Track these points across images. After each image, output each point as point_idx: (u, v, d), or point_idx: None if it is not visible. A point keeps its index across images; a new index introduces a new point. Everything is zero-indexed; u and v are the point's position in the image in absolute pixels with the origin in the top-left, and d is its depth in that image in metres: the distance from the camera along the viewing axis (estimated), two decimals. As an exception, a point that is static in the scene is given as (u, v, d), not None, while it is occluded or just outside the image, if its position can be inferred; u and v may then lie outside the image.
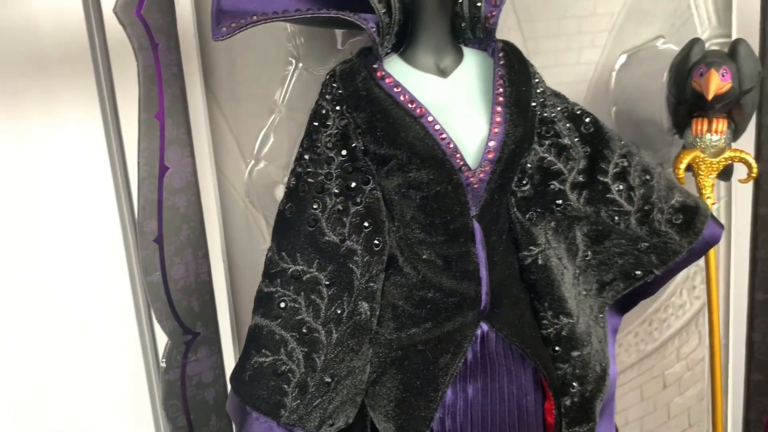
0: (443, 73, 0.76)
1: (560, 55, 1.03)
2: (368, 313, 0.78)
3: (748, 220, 1.08)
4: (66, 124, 0.96)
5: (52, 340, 0.98)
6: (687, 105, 0.90)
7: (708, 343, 0.99)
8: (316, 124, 0.76)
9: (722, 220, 1.09)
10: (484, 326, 0.80)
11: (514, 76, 0.77)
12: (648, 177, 0.89)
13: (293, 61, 0.97)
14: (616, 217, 0.87)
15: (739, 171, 0.99)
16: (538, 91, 0.82)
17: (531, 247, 0.84)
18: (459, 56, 0.78)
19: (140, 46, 0.84)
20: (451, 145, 0.72)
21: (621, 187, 0.87)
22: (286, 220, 0.76)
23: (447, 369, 0.79)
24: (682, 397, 1.15)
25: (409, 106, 0.72)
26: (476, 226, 0.76)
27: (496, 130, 0.74)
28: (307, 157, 0.76)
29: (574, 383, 0.88)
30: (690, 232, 0.90)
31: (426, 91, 0.75)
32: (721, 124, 0.91)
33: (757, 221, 1.06)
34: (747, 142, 1.05)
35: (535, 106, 0.81)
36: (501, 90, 0.75)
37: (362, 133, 0.74)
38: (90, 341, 0.99)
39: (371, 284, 0.79)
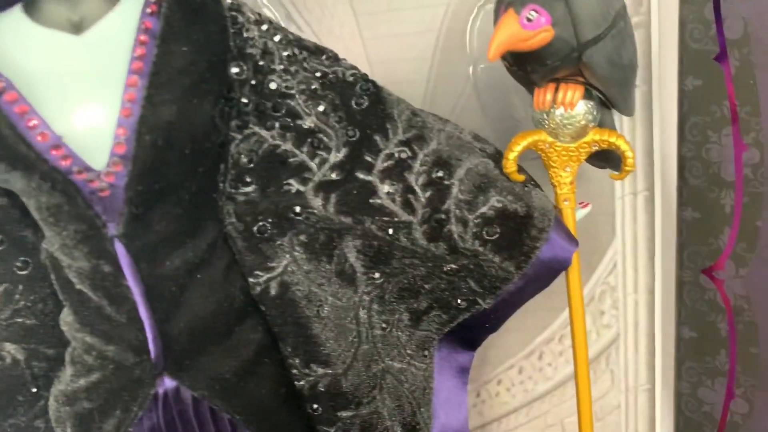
0: (77, 28, 0.53)
1: (394, -3, 0.75)
2: (17, 358, 0.59)
3: (673, 227, 0.76)
4: None
5: None
6: (516, 67, 0.61)
7: (577, 400, 0.71)
8: None
9: (640, 226, 0.78)
10: (170, 383, 0.58)
11: (175, 28, 0.52)
12: (441, 173, 0.61)
13: None
14: (390, 230, 0.61)
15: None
16: (250, 50, 0.57)
17: (258, 273, 0.61)
18: (109, 3, 0.54)
19: None
20: (49, 136, 0.50)
21: (391, 188, 0.61)
22: None
23: (111, 438, 0.59)
24: (591, 453, 0.87)
25: None
26: (120, 250, 0.53)
27: (126, 111, 0.51)
28: None
29: (352, 452, 0.65)
30: (515, 251, 0.62)
31: (44, 56, 0.52)
32: (572, 93, 0.60)
33: (682, 230, 0.74)
34: (669, 115, 0.73)
35: (239, 73, 0.56)
36: (141, 52, 0.51)
37: None
38: None
39: (19, 320, 0.59)
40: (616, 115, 0.75)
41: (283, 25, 0.76)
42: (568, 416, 0.85)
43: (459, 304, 0.65)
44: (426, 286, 0.65)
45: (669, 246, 0.77)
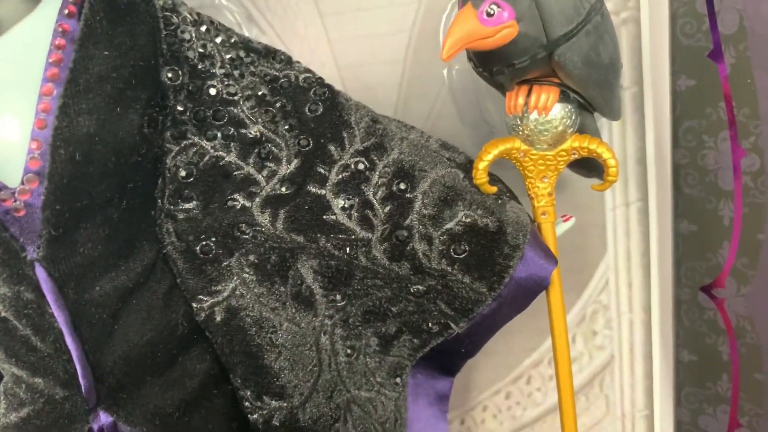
0: (-9, 31, 0.49)
1: (364, -5, 0.70)
2: None
3: (670, 240, 0.69)
4: None
5: None
6: (481, 68, 0.55)
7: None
8: None
9: (633, 240, 0.72)
10: (106, 418, 0.53)
11: (96, 30, 0.47)
12: (403, 186, 0.56)
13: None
14: (348, 249, 0.56)
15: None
16: (187, 53, 0.52)
17: (201, 297, 0.55)
18: (28, 4, 0.49)
19: None
20: (-48, 152, 0.45)
21: (347, 203, 0.55)
22: None
23: (43, 479, 0.54)
24: (586, 486, 0.81)
25: None
26: (42, 274, 0.49)
27: (41, 123, 0.46)
28: None
29: (317, 486, 0.60)
30: (486, 271, 0.57)
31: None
32: (546, 96, 0.55)
33: (678, 245, 0.67)
34: (663, 118, 0.67)
35: (173, 78, 0.51)
36: (57, 57, 0.46)
37: None
38: None
39: None
40: (606, 120, 0.69)
41: (244, 27, 0.72)
42: (560, 445, 0.79)
43: (430, 329, 0.60)
44: (393, 309, 0.60)
45: (666, 261, 0.70)
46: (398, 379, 0.63)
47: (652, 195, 0.69)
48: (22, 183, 0.46)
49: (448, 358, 0.64)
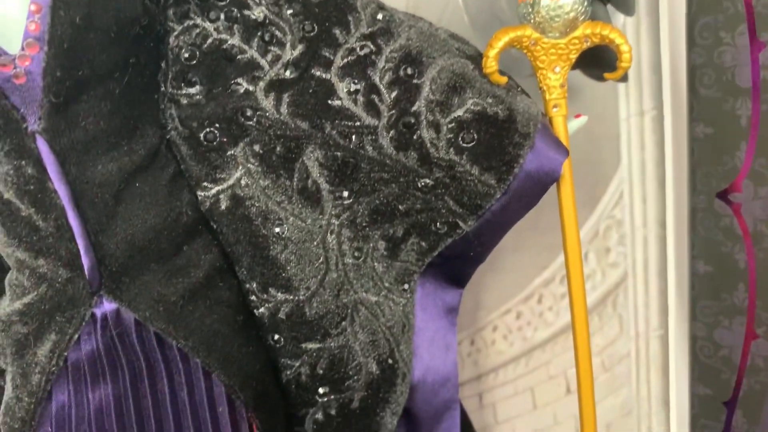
0: None
1: None
2: None
3: (684, 149, 0.68)
4: None
5: None
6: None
7: (574, 345, 0.63)
8: None
9: (648, 150, 0.70)
10: (109, 305, 0.53)
11: None
12: (410, 71, 0.55)
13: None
14: (353, 137, 0.55)
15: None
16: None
17: (206, 184, 0.55)
18: None
19: None
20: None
21: (353, 87, 0.54)
22: None
23: (45, 363, 0.53)
24: (598, 406, 0.79)
25: None
26: (43, 147, 0.48)
27: (41, -13, 0.46)
28: None
29: (320, 389, 0.59)
30: (495, 161, 0.56)
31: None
32: (557, -21, 0.53)
33: (693, 150, 0.66)
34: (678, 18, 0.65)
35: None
36: None
37: None
38: None
39: None
40: (620, 24, 0.68)
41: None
42: (572, 366, 0.77)
43: (438, 229, 0.59)
44: (401, 207, 0.58)
45: (682, 169, 0.69)
46: (406, 286, 0.62)
47: (667, 102, 0.68)
48: (23, 48, 0.46)
49: (456, 265, 0.63)
